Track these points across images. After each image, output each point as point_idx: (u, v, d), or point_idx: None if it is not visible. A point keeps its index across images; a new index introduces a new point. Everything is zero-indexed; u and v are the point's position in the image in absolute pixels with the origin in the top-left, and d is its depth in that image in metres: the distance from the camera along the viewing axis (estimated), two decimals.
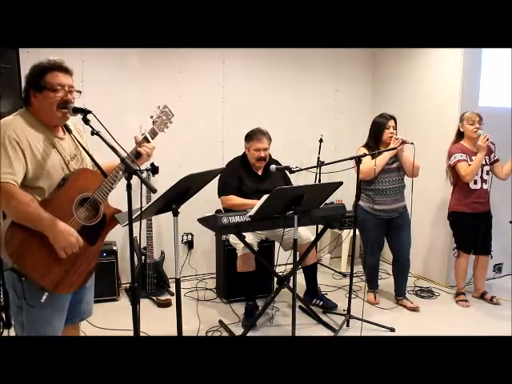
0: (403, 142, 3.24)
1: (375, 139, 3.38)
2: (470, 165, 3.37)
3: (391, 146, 3.25)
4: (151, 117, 1.95)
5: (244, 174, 3.39)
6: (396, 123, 3.37)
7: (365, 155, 3.10)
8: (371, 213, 3.40)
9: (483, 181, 3.48)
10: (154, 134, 1.94)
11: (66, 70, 1.79)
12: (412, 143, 3.17)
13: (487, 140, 3.31)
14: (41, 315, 1.76)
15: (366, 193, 3.41)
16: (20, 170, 1.67)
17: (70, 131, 1.89)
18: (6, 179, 1.63)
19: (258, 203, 2.66)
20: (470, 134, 3.44)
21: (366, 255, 3.53)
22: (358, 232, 3.42)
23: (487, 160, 3.48)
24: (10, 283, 1.74)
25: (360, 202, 3.39)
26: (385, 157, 3.28)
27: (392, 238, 3.52)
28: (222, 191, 3.35)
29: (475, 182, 3.46)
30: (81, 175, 1.82)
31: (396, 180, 3.39)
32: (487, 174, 3.50)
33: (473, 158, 3.40)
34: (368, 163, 3.22)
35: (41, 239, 1.69)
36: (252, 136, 3.36)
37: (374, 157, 3.22)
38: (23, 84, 1.80)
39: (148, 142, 1.91)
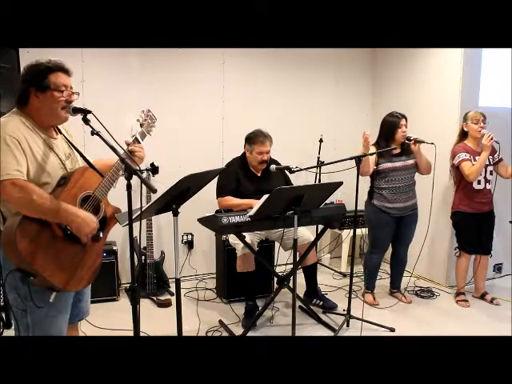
0: (419, 142, 3.30)
1: (387, 139, 3.38)
2: (473, 164, 3.36)
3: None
4: (138, 120, 2.00)
5: (242, 175, 3.38)
6: (407, 121, 3.38)
7: (364, 155, 3.06)
8: (384, 210, 3.42)
9: (487, 181, 3.47)
10: (143, 135, 2.00)
11: (67, 72, 1.80)
12: (432, 143, 3.25)
13: (491, 139, 3.28)
14: (47, 316, 1.75)
15: (379, 192, 3.43)
16: (25, 168, 1.67)
17: (60, 131, 1.90)
18: (17, 176, 1.63)
19: (258, 203, 2.66)
20: (474, 133, 3.42)
21: (371, 254, 3.56)
22: (358, 232, 3.42)
23: (490, 160, 3.47)
24: (13, 286, 1.71)
25: (373, 201, 3.44)
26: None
27: (397, 233, 3.55)
28: (219, 193, 3.33)
29: (479, 182, 3.45)
30: (81, 174, 1.83)
31: (410, 177, 3.44)
32: (491, 174, 3.49)
33: (476, 157, 3.37)
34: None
35: (50, 237, 1.69)
36: (255, 139, 3.33)
37: (381, 155, 3.32)
38: (19, 83, 1.78)
39: (139, 143, 1.95)
